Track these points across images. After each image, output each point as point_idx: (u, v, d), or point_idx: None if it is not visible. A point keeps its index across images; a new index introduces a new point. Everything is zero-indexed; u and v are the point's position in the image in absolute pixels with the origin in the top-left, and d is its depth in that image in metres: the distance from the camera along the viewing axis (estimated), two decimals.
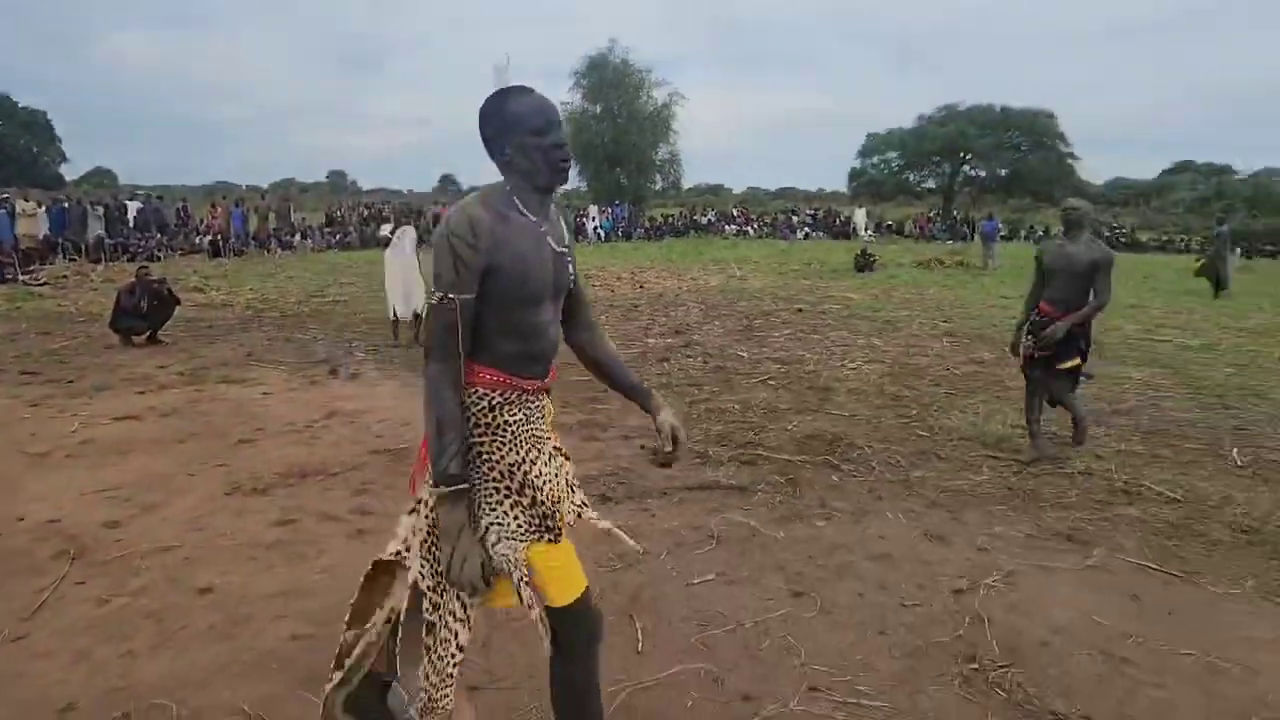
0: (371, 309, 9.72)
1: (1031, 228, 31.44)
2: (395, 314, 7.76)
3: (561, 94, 38.53)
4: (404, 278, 7.66)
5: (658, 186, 34.80)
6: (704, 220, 30.65)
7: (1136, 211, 39.44)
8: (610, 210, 28.43)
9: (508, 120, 1.45)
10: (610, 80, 31.68)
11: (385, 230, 8.68)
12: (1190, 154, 64.68)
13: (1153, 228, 33.26)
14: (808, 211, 33.94)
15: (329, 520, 3.47)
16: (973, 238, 26.43)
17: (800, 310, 10.48)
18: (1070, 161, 41.68)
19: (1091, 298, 3.97)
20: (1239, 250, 19.69)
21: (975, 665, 2.38)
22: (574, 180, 34.28)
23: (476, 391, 1.48)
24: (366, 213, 24.83)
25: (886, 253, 20.41)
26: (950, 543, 3.30)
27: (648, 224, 29.11)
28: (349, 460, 4.26)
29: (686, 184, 43.06)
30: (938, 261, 18.10)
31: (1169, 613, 2.70)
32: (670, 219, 30.74)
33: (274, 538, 3.28)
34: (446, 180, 59.64)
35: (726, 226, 30.12)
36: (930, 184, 48.44)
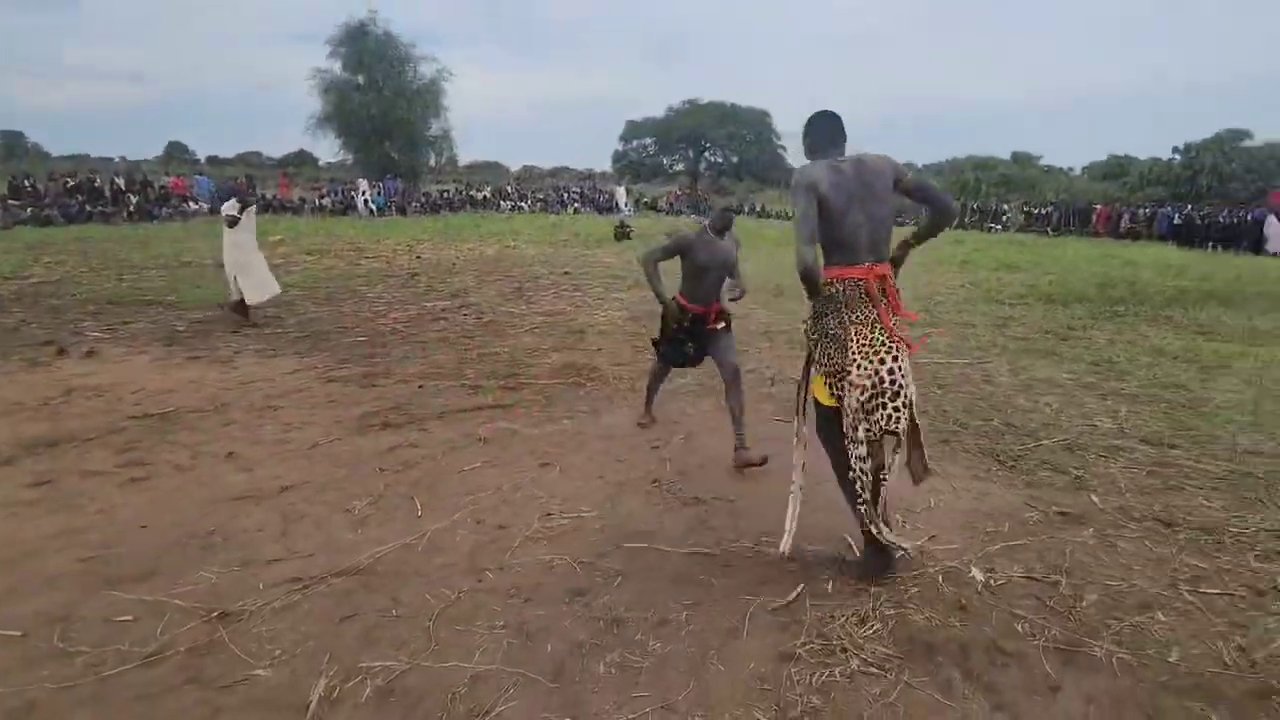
0: (102, 287, 8.59)
1: (753, 205, 35.73)
2: (241, 295, 6.95)
3: (319, 60, 34.85)
4: (258, 257, 7.09)
5: (432, 162, 33.42)
6: (480, 196, 30.21)
7: None
8: (382, 185, 26.87)
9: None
10: (373, 51, 29.49)
11: (229, 208, 7.34)
12: (867, 148, 76.58)
13: None
14: (574, 189, 34.93)
15: (94, 476, 3.35)
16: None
17: (567, 273, 11.23)
18: (781, 153, 47.85)
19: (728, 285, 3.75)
20: None
21: (657, 483, 3.33)
22: (338, 152, 31.59)
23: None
24: (71, 184, 20.51)
25: (642, 225, 22.08)
26: (655, 420, 4.26)
27: (423, 199, 28.01)
28: (105, 427, 4.03)
29: (464, 160, 41.73)
30: (670, 235, 20.04)
31: (771, 443, 3.88)
32: (446, 194, 29.85)
33: (33, 496, 3.15)
34: (176, 148, 49.38)
35: (502, 202, 30.01)
36: (680, 167, 52.34)
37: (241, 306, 7.00)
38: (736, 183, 52.02)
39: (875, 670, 2.13)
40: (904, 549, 2.65)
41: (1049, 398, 4.84)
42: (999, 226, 27.90)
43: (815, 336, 2.44)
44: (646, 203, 34.85)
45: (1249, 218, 19.42)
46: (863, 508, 2.46)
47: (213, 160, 47.09)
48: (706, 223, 3.69)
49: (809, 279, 2.33)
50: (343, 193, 26.29)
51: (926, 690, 2.06)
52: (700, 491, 3.29)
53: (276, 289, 7.26)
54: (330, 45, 29.48)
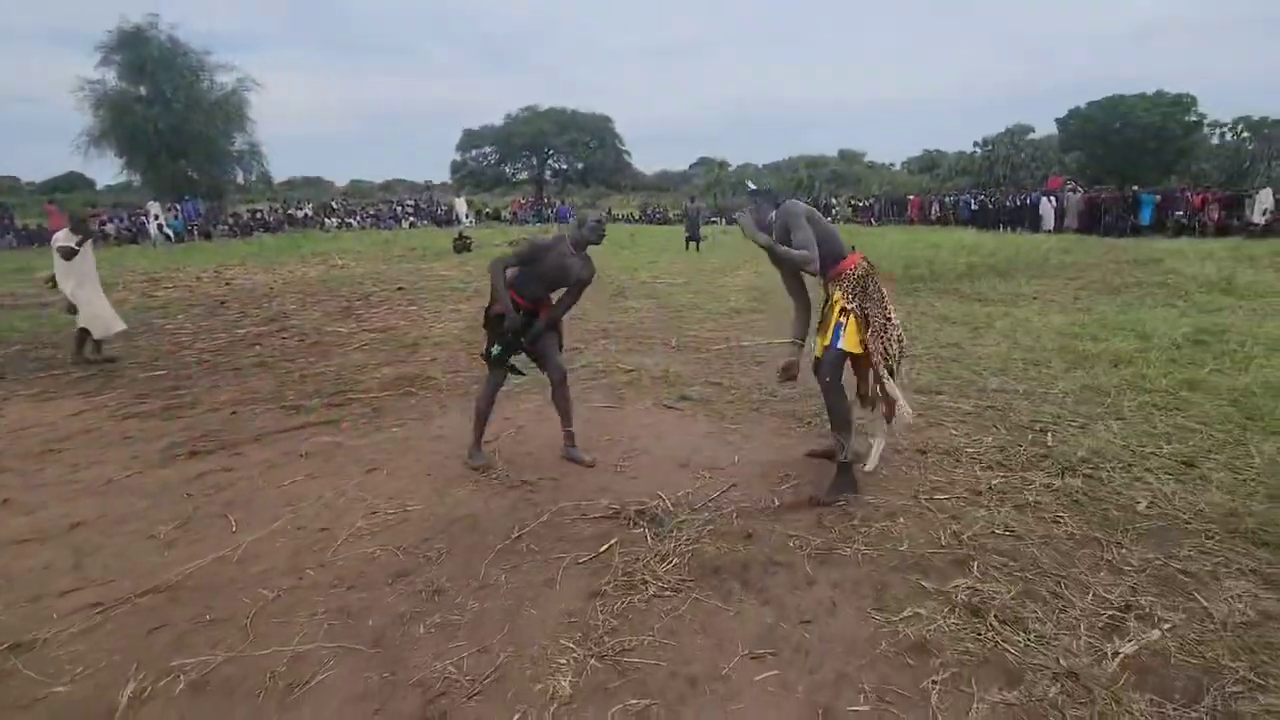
0: None
1: (600, 211, 36.72)
2: (91, 331, 6.44)
3: (86, 70, 31.32)
4: (99, 293, 6.58)
5: (240, 180, 31.07)
6: (301, 214, 28.55)
7: (673, 195, 49.01)
8: (179, 207, 24.61)
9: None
10: (157, 59, 26.93)
11: (63, 238, 6.41)
12: (706, 150, 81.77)
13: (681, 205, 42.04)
14: (409, 202, 34.00)
15: None
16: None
17: (400, 289, 11.11)
18: (626, 157, 49.57)
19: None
20: (710, 219, 27.14)
21: (487, 473, 3.61)
22: (120, 172, 28.46)
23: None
24: None
25: (483, 236, 22.07)
26: (490, 421, 4.53)
27: (232, 221, 25.98)
28: None
29: (279, 176, 38.99)
30: (526, 241, 20.35)
31: (598, 425, 4.34)
32: (260, 214, 27.89)
33: None
34: None
35: (326, 220, 28.57)
36: (523, 175, 52.47)
37: (82, 340, 6.51)
38: (583, 188, 53.14)
39: (670, 593, 2.59)
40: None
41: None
42: (830, 219, 30.78)
43: (864, 304, 3.29)
44: (489, 213, 34.70)
45: (1028, 201, 23.12)
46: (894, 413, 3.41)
47: None
48: (567, 234, 3.68)
49: (816, 273, 3.29)
50: (129, 218, 23.74)
51: (710, 601, 2.55)
52: (527, 475, 3.62)
53: (120, 325, 6.76)
54: (101, 52, 26.55)
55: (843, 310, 3.27)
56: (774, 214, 3.46)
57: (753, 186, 3.82)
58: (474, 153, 51.00)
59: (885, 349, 3.30)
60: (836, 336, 3.26)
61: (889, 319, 3.34)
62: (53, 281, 6.65)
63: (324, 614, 2.48)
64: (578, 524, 3.11)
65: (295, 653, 2.27)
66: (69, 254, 6.40)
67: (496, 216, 34.35)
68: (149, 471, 3.81)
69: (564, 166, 51.62)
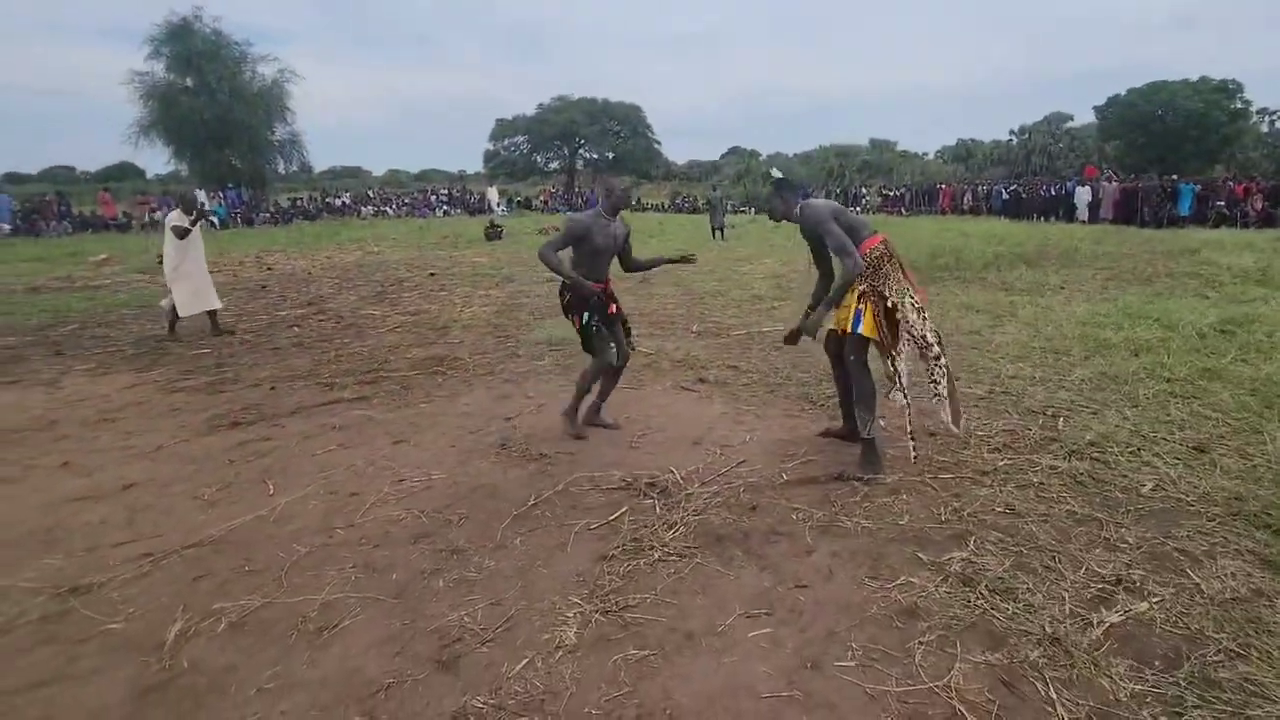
0: None
1: (629, 200, 36.82)
2: (179, 311, 6.89)
3: (137, 63, 32.07)
4: (202, 269, 6.98)
5: (281, 169, 31.77)
6: (339, 203, 29.13)
7: (703, 184, 48.80)
8: (223, 195, 25.32)
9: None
10: (202, 52, 27.62)
11: (178, 219, 6.83)
12: (738, 140, 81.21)
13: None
14: (443, 191, 34.44)
15: None
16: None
17: (433, 274, 11.38)
18: (657, 146, 49.39)
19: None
20: (733, 207, 27.37)
21: (505, 447, 3.77)
22: (169, 161, 29.33)
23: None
24: None
25: (515, 224, 22.30)
26: (511, 398, 4.71)
27: (273, 209, 26.65)
28: None
29: (319, 166, 39.82)
30: (555, 229, 20.46)
31: (618, 405, 4.46)
32: (299, 202, 28.54)
33: None
34: None
35: (363, 208, 29.11)
36: (555, 165, 52.58)
37: (173, 321, 6.94)
38: (615, 178, 52.82)
39: (674, 558, 2.71)
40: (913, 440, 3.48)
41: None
42: (858, 209, 30.51)
43: (875, 282, 3.39)
44: (520, 202, 34.97)
45: (1063, 190, 22.54)
46: (942, 396, 3.48)
47: (12, 177, 42.13)
48: (599, 206, 3.84)
49: (857, 274, 3.36)
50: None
51: (712, 566, 2.66)
52: (545, 449, 3.76)
53: (216, 303, 7.11)
54: (150, 45, 27.33)
55: (860, 295, 3.38)
56: (798, 209, 3.55)
57: (777, 175, 3.84)
58: (506, 142, 51.20)
59: (910, 330, 3.39)
60: (857, 322, 3.38)
61: (916, 302, 3.42)
62: (161, 259, 7.03)
63: (351, 568, 2.65)
64: (591, 494, 3.23)
65: (325, 600, 2.44)
66: (183, 233, 6.76)
67: (528, 205, 34.63)
68: (195, 440, 4.04)
69: (595, 156, 51.54)
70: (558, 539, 2.86)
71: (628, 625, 2.31)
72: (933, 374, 3.44)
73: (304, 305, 8.73)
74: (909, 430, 3.42)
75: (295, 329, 7.29)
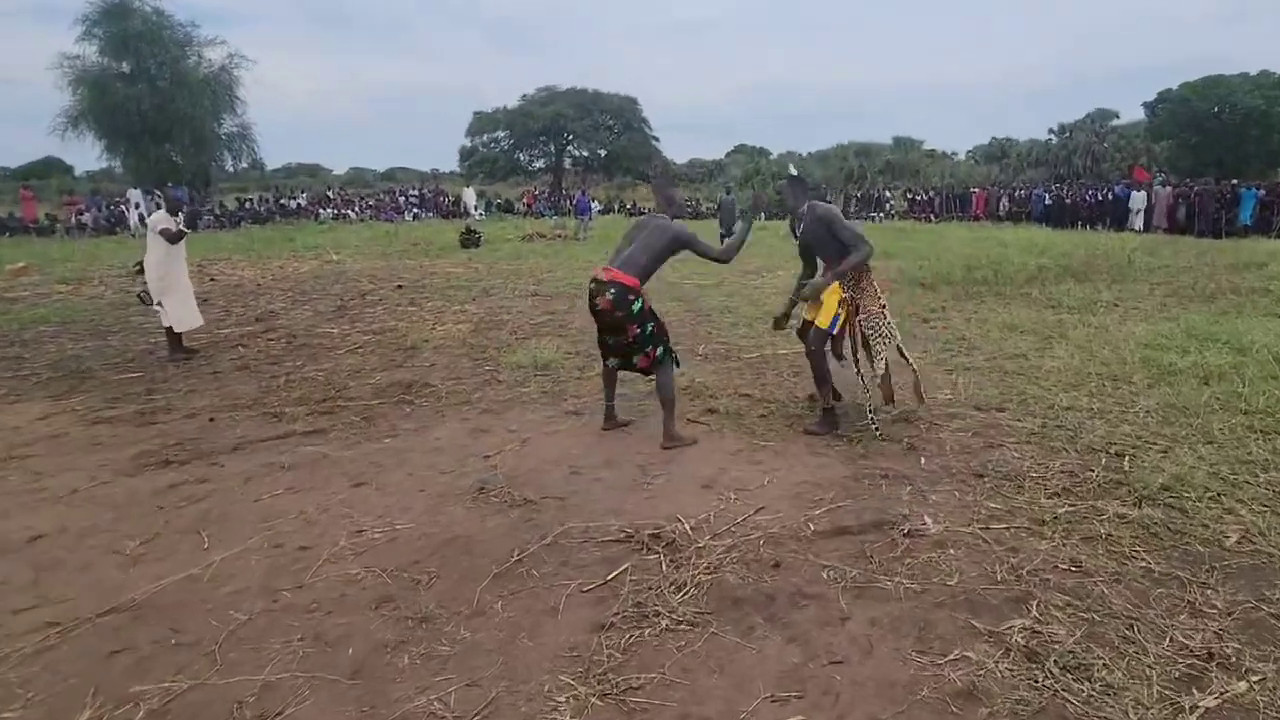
0: None
1: (621, 203, 36.97)
2: (176, 328, 6.79)
3: (66, 45, 32.40)
4: (187, 283, 6.91)
5: (228, 166, 31.75)
6: (294, 204, 29.16)
7: (706, 186, 49.21)
8: (160, 195, 25.27)
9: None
10: (140, 34, 27.64)
11: (161, 220, 6.50)
12: (744, 137, 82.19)
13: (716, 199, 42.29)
14: (413, 192, 34.55)
15: None
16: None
17: (400, 287, 11.33)
18: (654, 143, 49.76)
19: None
20: (742, 212, 27.18)
21: (483, 491, 3.67)
22: (100, 156, 29.23)
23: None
24: None
25: (494, 230, 22.32)
26: (490, 432, 4.62)
27: (219, 211, 26.64)
28: None
29: (272, 163, 39.91)
30: (540, 235, 20.58)
31: (619, 438, 4.43)
32: (249, 204, 28.55)
33: None
34: None
35: (322, 211, 29.16)
36: (540, 163, 52.90)
37: (175, 338, 6.79)
38: (606, 178, 53.39)
39: (684, 627, 2.59)
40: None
41: (898, 378, 5.65)
42: (881, 215, 30.72)
43: (858, 296, 4.40)
44: (500, 204, 35.11)
45: (1111, 195, 22.74)
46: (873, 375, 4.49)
47: None
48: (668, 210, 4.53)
49: (869, 256, 4.40)
50: (109, 207, 24.46)
51: (729, 636, 2.54)
52: (530, 493, 3.66)
53: (199, 320, 7.07)
54: (82, 25, 27.32)
55: (841, 301, 4.36)
56: (805, 207, 4.49)
57: (794, 172, 4.67)
58: (485, 138, 51.50)
59: (878, 331, 4.41)
60: (834, 324, 4.37)
61: (883, 306, 4.47)
62: (140, 267, 6.89)
63: (299, 640, 2.52)
64: (585, 548, 3.13)
65: (266, 682, 2.31)
66: (175, 237, 6.57)
67: (509, 208, 34.77)
68: (118, 481, 3.91)
69: (585, 154, 51.87)
70: (546, 603, 2.74)
71: (631, 712, 2.18)
72: (874, 356, 4.46)
73: (251, 322, 8.65)
74: (869, 410, 4.38)
75: (240, 349, 7.19)
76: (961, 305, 8.87)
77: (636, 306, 4.15)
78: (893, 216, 30.81)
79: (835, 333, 4.43)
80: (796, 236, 4.73)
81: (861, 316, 4.38)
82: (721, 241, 17.89)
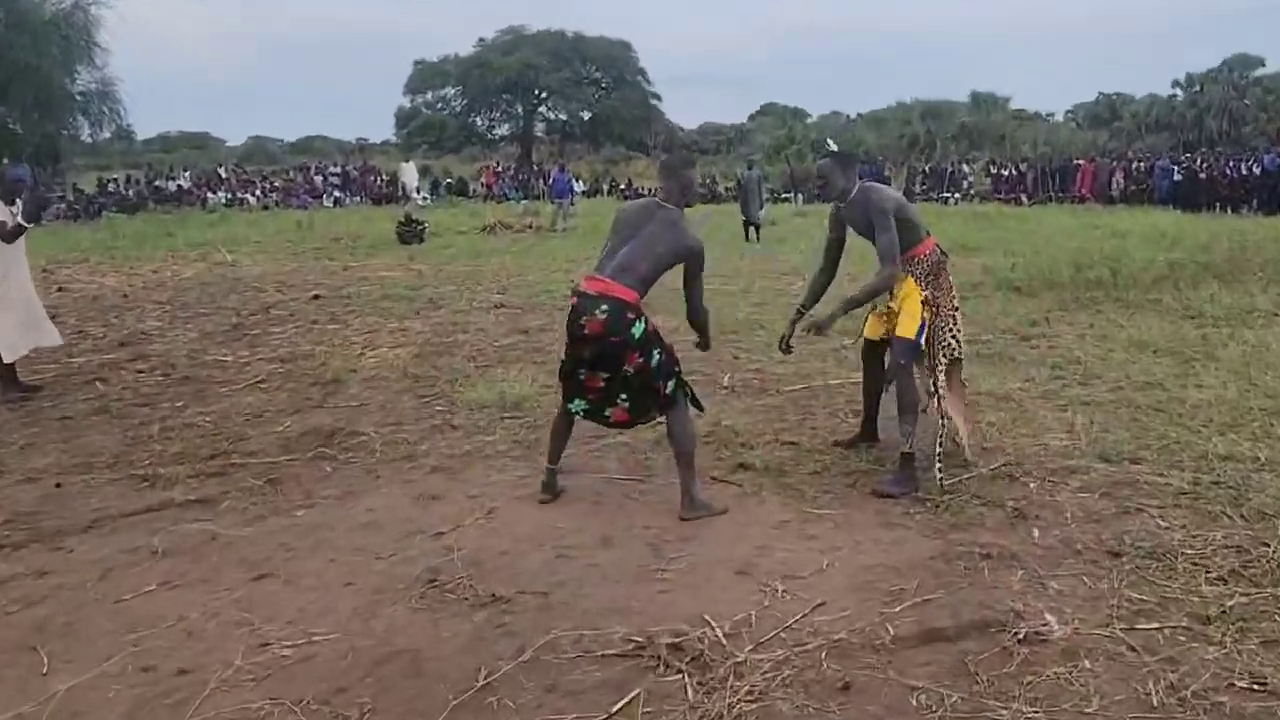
0: None
1: (613, 181, 37.16)
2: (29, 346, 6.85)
3: None
4: (31, 291, 6.90)
5: (85, 135, 31.80)
6: (174, 186, 29.29)
7: (725, 159, 49.52)
8: None
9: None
10: None
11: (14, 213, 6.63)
12: (775, 95, 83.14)
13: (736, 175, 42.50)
14: (334, 169, 34.78)
15: None
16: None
17: (317, 297, 11.41)
18: (655, 103, 50.17)
19: None
20: (772, 193, 28.07)
21: (435, 584, 3.56)
22: None
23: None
24: None
25: (442, 218, 22.42)
26: (443, 499, 4.54)
27: (73, 197, 26.68)
28: None
29: (146, 131, 40.02)
30: (504, 226, 20.66)
31: (619, 506, 4.36)
32: (114, 186, 28.63)
33: None
34: None
35: (211, 194, 29.33)
36: (504, 129, 53.30)
37: (7, 370, 6.70)
38: (592, 150, 53.87)
39: None
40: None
41: (994, 414, 5.67)
42: (957, 195, 30.93)
43: (937, 294, 4.55)
44: (451, 184, 35.29)
45: (1259, 168, 22.90)
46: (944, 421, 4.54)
47: None
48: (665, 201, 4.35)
49: (891, 285, 4.55)
50: None
51: None
52: (500, 586, 3.55)
53: (55, 337, 7.08)
54: None
55: (925, 302, 4.48)
56: (855, 189, 4.56)
57: (833, 147, 4.89)
58: (430, 97, 52.08)
59: (949, 340, 4.57)
60: (921, 331, 4.46)
61: (956, 309, 4.66)
62: None
63: None
64: (578, 666, 3.03)
65: None
66: (12, 234, 6.60)
67: (463, 190, 34.96)
68: None
69: (563, 117, 52.30)
70: None
71: None
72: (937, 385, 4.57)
73: (114, 347, 8.60)
74: (938, 450, 4.46)
75: (99, 385, 7.11)
76: (1072, 316, 8.95)
77: (638, 329, 4.06)
78: (971, 198, 31.08)
79: (924, 346, 4.52)
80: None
81: (936, 320, 4.54)
82: (747, 233, 18.03)
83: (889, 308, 4.63)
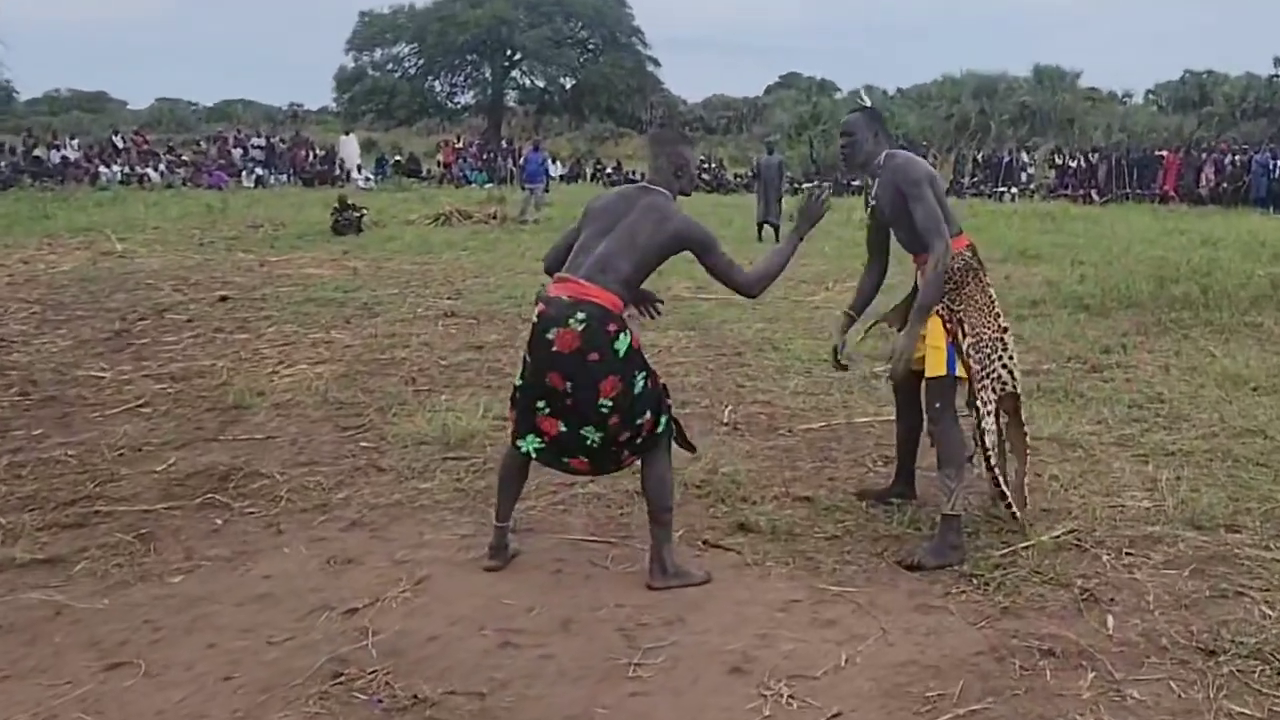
0: None
1: (598, 163, 37.18)
2: None
3: None
4: None
5: None
6: (56, 157, 29.21)
7: (735, 139, 49.71)
8: None
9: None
10: None
11: None
12: (796, 64, 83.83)
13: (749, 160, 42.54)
14: (257, 141, 34.73)
15: None
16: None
17: (225, 299, 11.38)
18: (652, 71, 50.30)
19: None
20: (793, 183, 28.90)
21: (341, 680, 3.37)
22: None
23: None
24: None
25: (387, 204, 22.36)
26: (362, 563, 4.38)
27: None
28: None
29: (30, 91, 39.81)
30: (461, 215, 20.60)
31: (586, 577, 4.20)
32: None
33: None
34: None
35: (104, 168, 29.25)
36: (469, 97, 53.29)
37: None
38: (574, 125, 53.91)
39: None
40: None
41: (1058, 467, 5.57)
42: (1015, 189, 31.09)
43: (960, 308, 4.44)
44: (400, 163, 35.21)
45: None
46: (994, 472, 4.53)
47: None
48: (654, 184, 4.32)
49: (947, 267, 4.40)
50: None
51: None
52: (426, 683, 3.37)
53: None
54: None
55: (944, 321, 4.43)
56: (882, 158, 4.55)
57: (867, 101, 4.96)
58: (379, 55, 52.05)
59: (997, 369, 4.51)
60: (951, 361, 4.40)
61: (1004, 329, 4.58)
62: None
63: None
64: None
65: None
66: None
67: (414, 170, 34.89)
68: None
69: (540, 83, 52.30)
70: None
71: None
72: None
73: None
74: (1004, 490, 4.53)
75: None
76: (1152, 342, 8.97)
77: (621, 344, 3.94)
78: (1032, 193, 31.34)
79: (960, 374, 4.45)
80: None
81: (968, 341, 4.42)
82: (760, 233, 17.96)
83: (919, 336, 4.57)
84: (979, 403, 4.45)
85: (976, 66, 50.84)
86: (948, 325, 4.42)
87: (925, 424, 4.66)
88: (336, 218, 18.49)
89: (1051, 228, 19.93)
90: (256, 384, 7.49)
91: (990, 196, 30.16)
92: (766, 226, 18.29)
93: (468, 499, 5.12)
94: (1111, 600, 3.98)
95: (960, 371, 4.41)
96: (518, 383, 4.17)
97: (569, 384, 3.91)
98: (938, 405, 4.44)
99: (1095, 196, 29.07)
